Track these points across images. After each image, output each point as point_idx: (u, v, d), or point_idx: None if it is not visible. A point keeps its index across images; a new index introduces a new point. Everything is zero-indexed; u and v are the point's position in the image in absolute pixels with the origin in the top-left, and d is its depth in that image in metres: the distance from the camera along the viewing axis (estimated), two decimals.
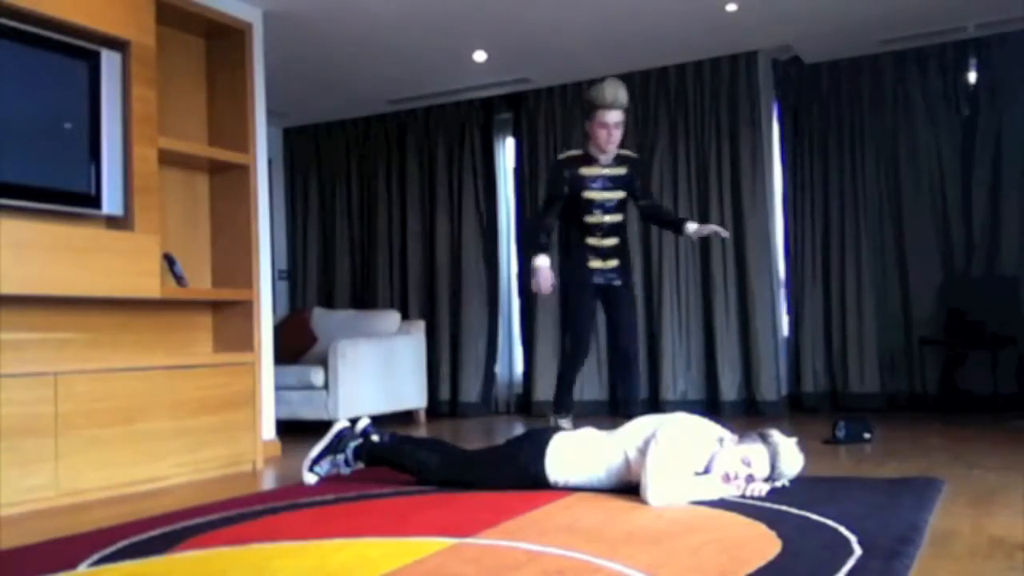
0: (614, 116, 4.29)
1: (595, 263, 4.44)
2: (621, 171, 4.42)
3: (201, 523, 2.82)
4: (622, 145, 4.45)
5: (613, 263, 4.47)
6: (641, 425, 3.13)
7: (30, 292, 3.33)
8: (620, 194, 4.44)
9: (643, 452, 2.99)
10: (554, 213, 4.50)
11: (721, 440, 3.06)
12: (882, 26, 5.51)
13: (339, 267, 7.41)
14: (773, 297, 5.99)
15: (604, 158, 4.37)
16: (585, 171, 4.39)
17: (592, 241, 4.44)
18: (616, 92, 4.27)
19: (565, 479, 3.16)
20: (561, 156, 4.56)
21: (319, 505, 3.08)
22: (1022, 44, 5.61)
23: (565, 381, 4.56)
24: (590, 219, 4.43)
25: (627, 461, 3.05)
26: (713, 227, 4.39)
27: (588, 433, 3.27)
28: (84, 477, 3.45)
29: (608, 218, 4.43)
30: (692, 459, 3.01)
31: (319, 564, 2.25)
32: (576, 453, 3.16)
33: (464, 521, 2.69)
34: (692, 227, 4.40)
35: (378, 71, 6.11)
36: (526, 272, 6.66)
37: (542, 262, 4.45)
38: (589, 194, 4.38)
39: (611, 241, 4.45)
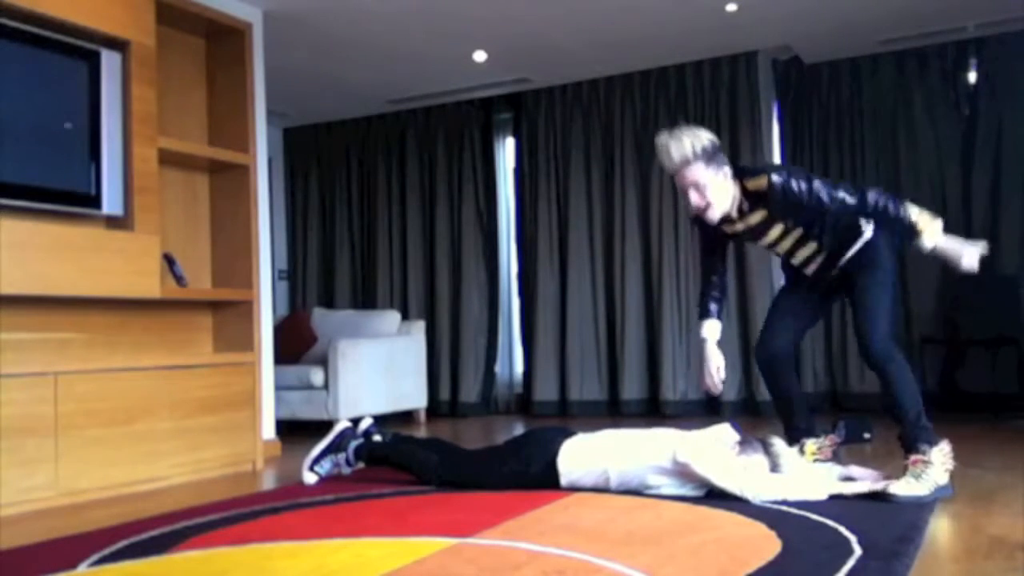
0: (685, 177, 3.05)
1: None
2: (758, 218, 3.14)
3: (201, 523, 2.82)
4: (744, 174, 3.11)
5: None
6: (661, 442, 3.07)
7: (30, 292, 3.33)
8: (776, 232, 3.16)
9: (667, 473, 2.98)
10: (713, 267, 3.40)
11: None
12: (882, 26, 5.50)
13: (339, 267, 7.41)
14: (773, 297, 5.97)
15: (713, 218, 3.12)
16: (722, 229, 3.26)
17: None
18: (668, 149, 3.05)
19: (571, 484, 3.15)
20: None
21: (319, 505, 3.08)
22: (1022, 44, 5.61)
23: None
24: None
25: (644, 480, 3.04)
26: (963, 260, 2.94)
27: (605, 440, 3.21)
28: (84, 477, 3.44)
29: (784, 251, 3.25)
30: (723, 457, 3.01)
31: (319, 564, 2.25)
32: (590, 460, 3.13)
33: (464, 521, 2.69)
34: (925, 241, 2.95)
35: (378, 71, 6.11)
36: (527, 274, 6.67)
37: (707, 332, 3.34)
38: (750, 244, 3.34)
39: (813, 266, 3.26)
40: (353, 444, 3.58)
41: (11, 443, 3.20)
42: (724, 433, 3.06)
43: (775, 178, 2.97)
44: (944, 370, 5.70)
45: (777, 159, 6.28)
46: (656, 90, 6.28)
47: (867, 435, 4.35)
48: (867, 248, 3.05)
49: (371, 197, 7.31)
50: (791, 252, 3.20)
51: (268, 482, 3.85)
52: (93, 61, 3.62)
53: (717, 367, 3.26)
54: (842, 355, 6.00)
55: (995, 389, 5.49)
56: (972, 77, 5.80)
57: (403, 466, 3.49)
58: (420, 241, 7.08)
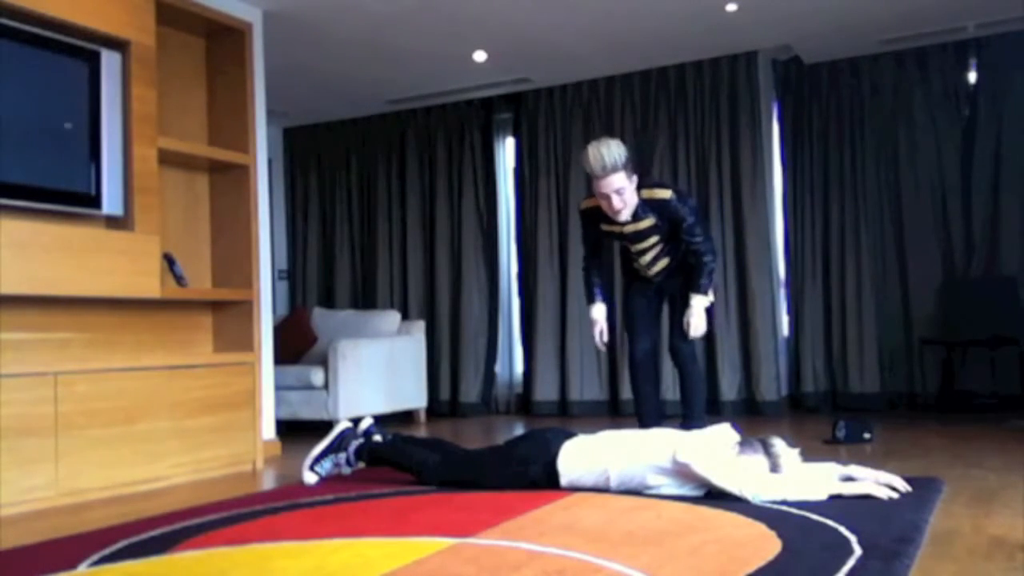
0: (610, 183, 3.68)
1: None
2: (647, 223, 3.83)
3: (201, 523, 2.82)
4: (648, 185, 3.85)
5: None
6: (661, 442, 3.07)
7: (30, 292, 3.33)
8: (653, 239, 3.89)
9: (667, 473, 2.98)
10: (594, 255, 4.15)
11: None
12: (882, 26, 5.51)
13: (339, 267, 7.41)
14: (773, 297, 5.98)
15: (622, 218, 3.79)
16: (606, 227, 3.93)
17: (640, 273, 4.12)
18: (601, 156, 3.63)
19: (571, 484, 3.15)
20: (581, 206, 4.07)
21: (319, 505, 3.08)
22: (1022, 44, 5.61)
23: None
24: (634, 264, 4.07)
25: (644, 481, 3.03)
26: (692, 320, 3.90)
27: (605, 441, 3.20)
28: (84, 477, 3.44)
29: (649, 258, 3.99)
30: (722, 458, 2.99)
31: (319, 564, 2.25)
32: (590, 460, 3.12)
33: (464, 521, 2.69)
34: (692, 301, 3.92)
35: (378, 71, 6.11)
36: (527, 274, 6.68)
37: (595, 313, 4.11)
38: (622, 243, 4.02)
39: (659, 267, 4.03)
40: (353, 444, 3.58)
41: (11, 443, 3.20)
42: (724, 433, 3.06)
43: (674, 196, 3.77)
44: (944, 370, 5.70)
45: (777, 159, 6.30)
46: (656, 90, 6.28)
47: (867, 435, 4.35)
48: (688, 279, 3.94)
49: (371, 197, 7.31)
50: (652, 258, 3.92)
51: (268, 482, 3.85)
52: (93, 61, 3.62)
53: (601, 331, 4.07)
54: (842, 355, 6.00)
55: (995, 389, 5.49)
56: (972, 77, 5.80)
57: (403, 466, 3.48)
58: (420, 241, 7.08)
